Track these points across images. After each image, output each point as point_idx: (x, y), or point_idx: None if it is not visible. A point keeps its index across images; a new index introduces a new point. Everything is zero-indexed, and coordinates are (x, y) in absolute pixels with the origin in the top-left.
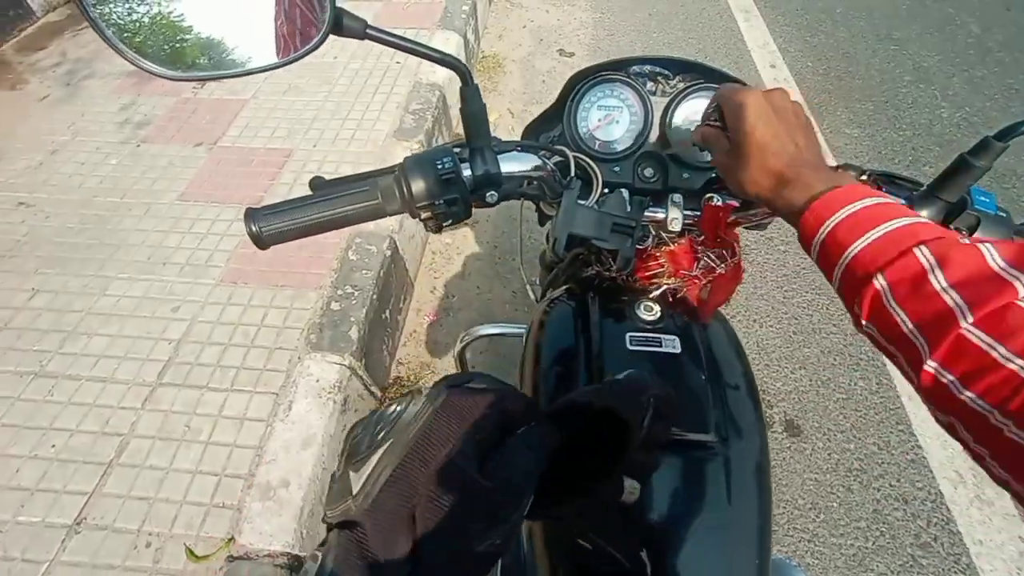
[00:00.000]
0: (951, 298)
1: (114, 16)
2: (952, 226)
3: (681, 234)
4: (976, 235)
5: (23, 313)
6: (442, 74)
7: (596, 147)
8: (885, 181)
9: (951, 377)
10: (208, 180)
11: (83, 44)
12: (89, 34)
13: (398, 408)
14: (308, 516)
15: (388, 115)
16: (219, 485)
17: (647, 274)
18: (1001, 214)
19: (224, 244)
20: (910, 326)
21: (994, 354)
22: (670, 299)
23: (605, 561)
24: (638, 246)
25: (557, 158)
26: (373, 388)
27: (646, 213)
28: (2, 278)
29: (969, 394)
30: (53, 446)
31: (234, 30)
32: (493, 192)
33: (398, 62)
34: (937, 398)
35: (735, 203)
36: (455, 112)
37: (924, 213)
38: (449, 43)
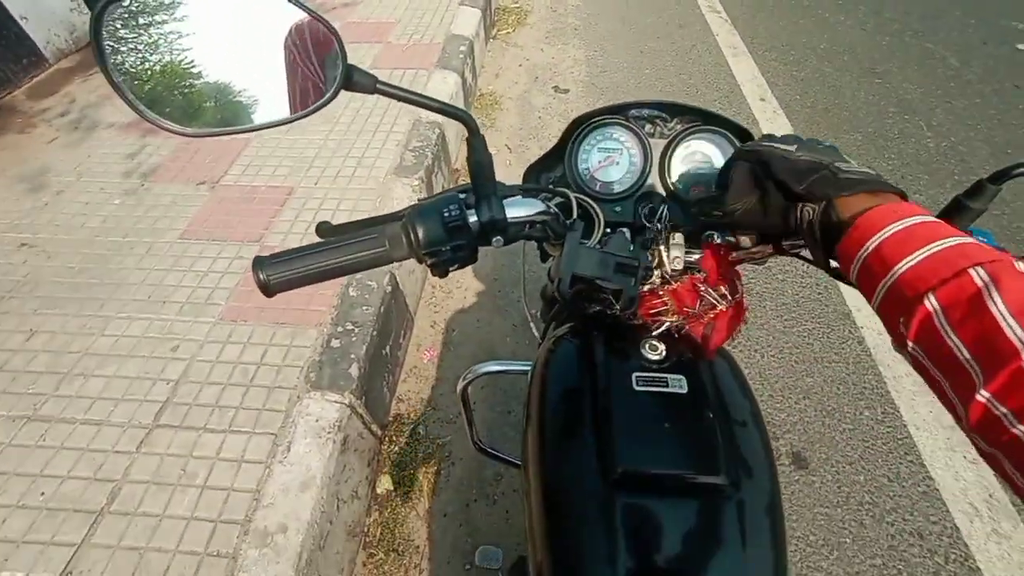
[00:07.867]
0: (1010, 327)
1: (126, 65)
2: None
3: (683, 272)
4: None
5: (19, 355)
6: None
7: (597, 188)
8: None
9: (1005, 410)
10: (210, 218)
11: (92, 90)
12: (97, 79)
13: None
14: (306, 564)
15: (388, 153)
16: (214, 532)
17: (651, 312)
18: None
19: (224, 282)
20: (965, 353)
21: None
22: (675, 336)
23: None
24: (641, 285)
25: (559, 199)
26: (373, 426)
27: (648, 252)
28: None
29: (1023, 429)
30: (42, 494)
31: (248, 86)
32: (499, 237)
33: None
34: (987, 430)
35: (734, 241)
36: (454, 148)
37: None
38: (447, 82)
